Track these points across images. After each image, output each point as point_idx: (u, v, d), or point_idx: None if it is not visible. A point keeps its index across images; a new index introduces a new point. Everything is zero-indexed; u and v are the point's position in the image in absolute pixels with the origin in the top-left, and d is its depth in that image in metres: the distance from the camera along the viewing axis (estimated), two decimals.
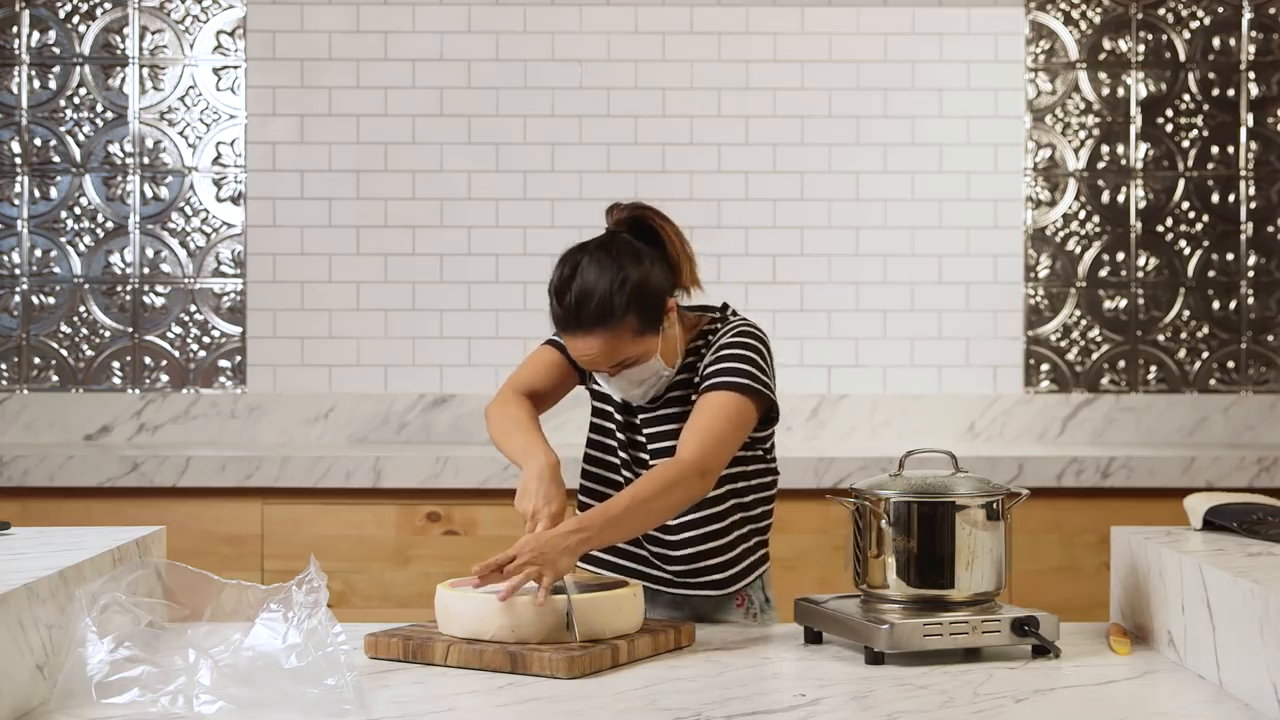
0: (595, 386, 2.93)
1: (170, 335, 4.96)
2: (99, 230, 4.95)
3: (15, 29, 4.94)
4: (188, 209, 4.96)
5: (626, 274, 2.72)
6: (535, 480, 2.70)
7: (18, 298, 4.94)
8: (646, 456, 2.87)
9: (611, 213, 2.83)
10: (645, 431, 2.86)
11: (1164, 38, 5.03)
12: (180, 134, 4.96)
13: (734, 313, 2.91)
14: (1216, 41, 5.03)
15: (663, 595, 2.90)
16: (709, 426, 2.73)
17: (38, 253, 4.94)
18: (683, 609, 2.91)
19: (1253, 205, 5.04)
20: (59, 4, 4.94)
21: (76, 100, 4.95)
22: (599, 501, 2.79)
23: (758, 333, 2.84)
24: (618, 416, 2.91)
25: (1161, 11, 5.03)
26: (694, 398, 2.81)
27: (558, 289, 2.74)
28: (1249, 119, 5.03)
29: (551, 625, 2.48)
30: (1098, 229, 5.04)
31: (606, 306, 2.71)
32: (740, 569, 2.89)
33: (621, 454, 2.90)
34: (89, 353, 4.95)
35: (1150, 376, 5.04)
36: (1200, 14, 5.02)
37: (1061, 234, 5.03)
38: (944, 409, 4.97)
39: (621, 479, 2.89)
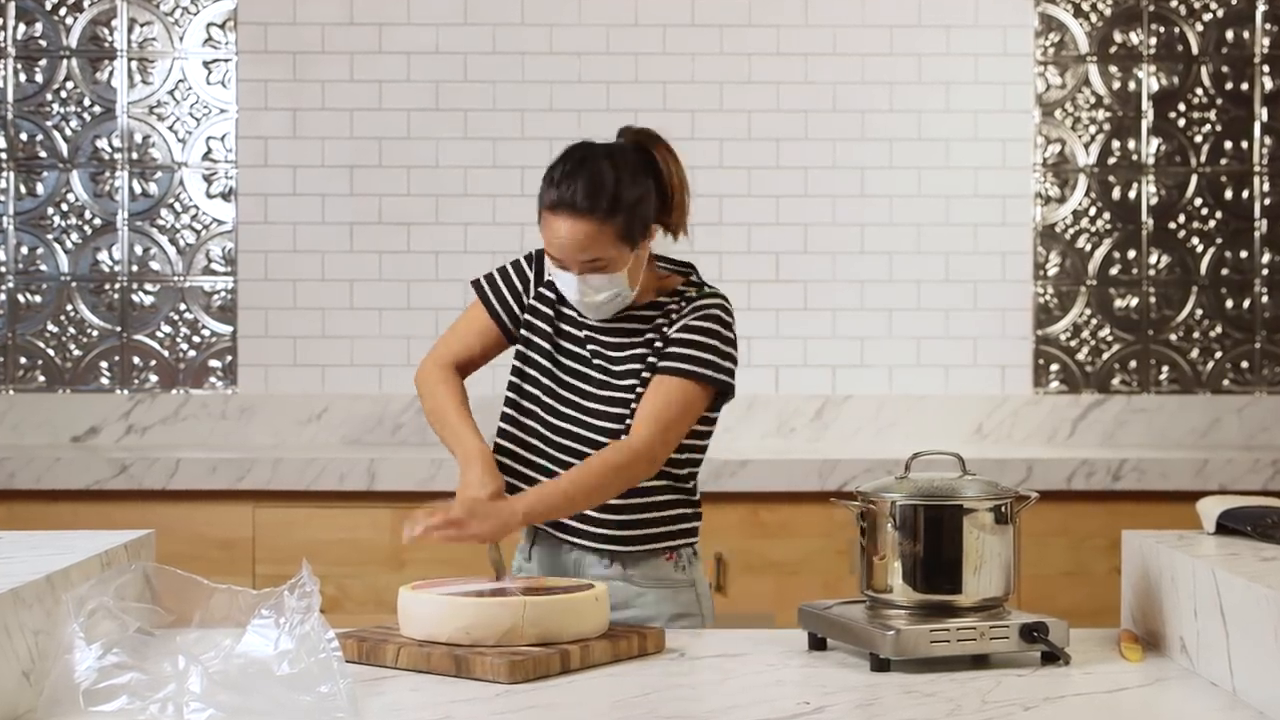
0: (527, 331, 3.00)
1: (160, 334, 4.96)
2: (86, 227, 4.95)
3: (0, 21, 4.94)
4: (177, 205, 4.96)
5: (629, 179, 2.87)
6: (469, 469, 2.84)
7: (3, 296, 4.94)
8: (586, 386, 2.96)
9: (623, 133, 2.98)
10: (594, 362, 2.95)
11: (1176, 30, 5.03)
12: (170, 129, 4.96)
13: (703, 283, 3.01)
14: (1230, 34, 5.03)
15: (590, 551, 2.96)
16: (663, 414, 2.86)
17: (24, 250, 4.94)
18: (609, 563, 2.96)
19: (1267, 201, 5.04)
20: None
21: (63, 94, 4.95)
22: (519, 455, 2.96)
23: (726, 316, 2.95)
24: (563, 351, 2.98)
25: (1174, 3, 5.03)
26: (651, 359, 2.92)
27: (561, 168, 2.87)
28: (1263, 113, 5.03)
29: (506, 627, 2.49)
30: (1108, 226, 5.04)
31: (605, 197, 2.83)
32: (668, 530, 2.98)
33: (547, 398, 2.98)
34: (76, 352, 4.95)
35: (1162, 377, 5.04)
36: (1213, 6, 5.02)
37: (1071, 231, 5.03)
38: (951, 410, 4.97)
39: (543, 428, 2.97)
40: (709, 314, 2.94)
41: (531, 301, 3.03)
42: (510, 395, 3.02)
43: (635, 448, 2.84)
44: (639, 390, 2.92)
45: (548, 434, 2.97)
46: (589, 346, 2.98)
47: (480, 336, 3.05)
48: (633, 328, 2.96)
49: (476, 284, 3.07)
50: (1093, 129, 5.03)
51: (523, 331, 3.03)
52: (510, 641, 2.48)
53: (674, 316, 2.95)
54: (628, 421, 2.91)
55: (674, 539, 3.00)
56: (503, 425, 3.02)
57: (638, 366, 2.94)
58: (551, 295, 3.02)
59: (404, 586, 2.63)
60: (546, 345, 3.00)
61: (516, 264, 3.07)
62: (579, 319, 3.00)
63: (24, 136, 4.95)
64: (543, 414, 2.98)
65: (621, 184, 2.86)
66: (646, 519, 2.97)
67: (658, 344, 2.93)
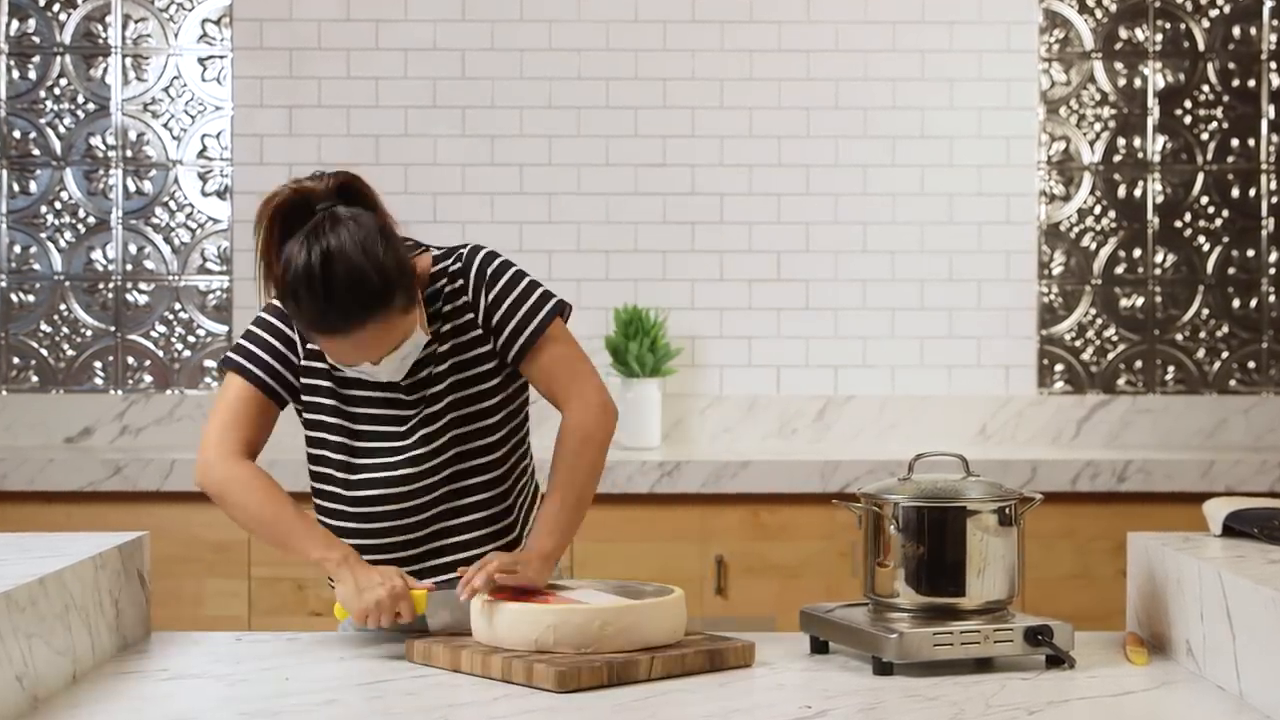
0: (311, 396, 2.72)
1: (154, 334, 4.96)
2: (80, 226, 4.95)
3: None
4: (172, 204, 4.96)
5: (379, 248, 2.54)
6: (361, 568, 2.59)
7: None
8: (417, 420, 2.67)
9: (311, 183, 2.60)
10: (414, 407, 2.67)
11: (1182, 26, 5.03)
12: (164, 126, 4.96)
13: (442, 248, 2.74)
14: (1237, 30, 5.03)
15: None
16: (567, 367, 2.68)
17: (17, 249, 4.95)
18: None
19: (1274, 200, 5.04)
20: None
21: (57, 91, 4.95)
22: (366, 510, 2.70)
23: (495, 252, 2.72)
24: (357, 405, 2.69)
25: None
26: (479, 348, 2.67)
27: (308, 284, 2.49)
28: (1270, 111, 5.03)
29: (593, 635, 2.46)
30: (1114, 224, 5.04)
31: (375, 291, 2.50)
32: (521, 516, 2.79)
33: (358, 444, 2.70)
34: (70, 352, 4.95)
35: (1168, 377, 5.04)
36: (1220, 2, 5.02)
37: (1076, 230, 5.03)
38: (954, 410, 4.97)
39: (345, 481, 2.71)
40: (493, 272, 2.69)
41: (306, 363, 2.71)
42: (318, 463, 2.75)
43: (588, 408, 2.67)
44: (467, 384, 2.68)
45: (393, 475, 2.69)
46: (390, 392, 2.68)
47: (259, 414, 2.72)
48: (434, 357, 2.67)
49: (228, 361, 2.73)
50: (1098, 126, 5.03)
51: (303, 399, 2.73)
52: (596, 649, 2.45)
53: (456, 293, 2.67)
54: (490, 423, 2.69)
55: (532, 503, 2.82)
56: (324, 495, 2.75)
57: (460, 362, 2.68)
58: (324, 364, 2.70)
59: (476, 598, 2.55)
60: (333, 419, 2.71)
61: (266, 324, 2.72)
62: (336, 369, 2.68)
63: (17, 134, 4.95)
64: (379, 458, 2.69)
65: (379, 255, 2.53)
66: (508, 524, 2.77)
67: (472, 327, 2.67)
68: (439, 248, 2.76)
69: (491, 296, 2.69)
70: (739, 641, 2.56)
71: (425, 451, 2.69)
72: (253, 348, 2.72)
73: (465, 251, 2.72)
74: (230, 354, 2.75)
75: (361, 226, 2.56)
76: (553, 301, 2.71)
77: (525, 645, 2.47)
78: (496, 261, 2.72)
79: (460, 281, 2.70)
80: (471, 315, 2.70)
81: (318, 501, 2.79)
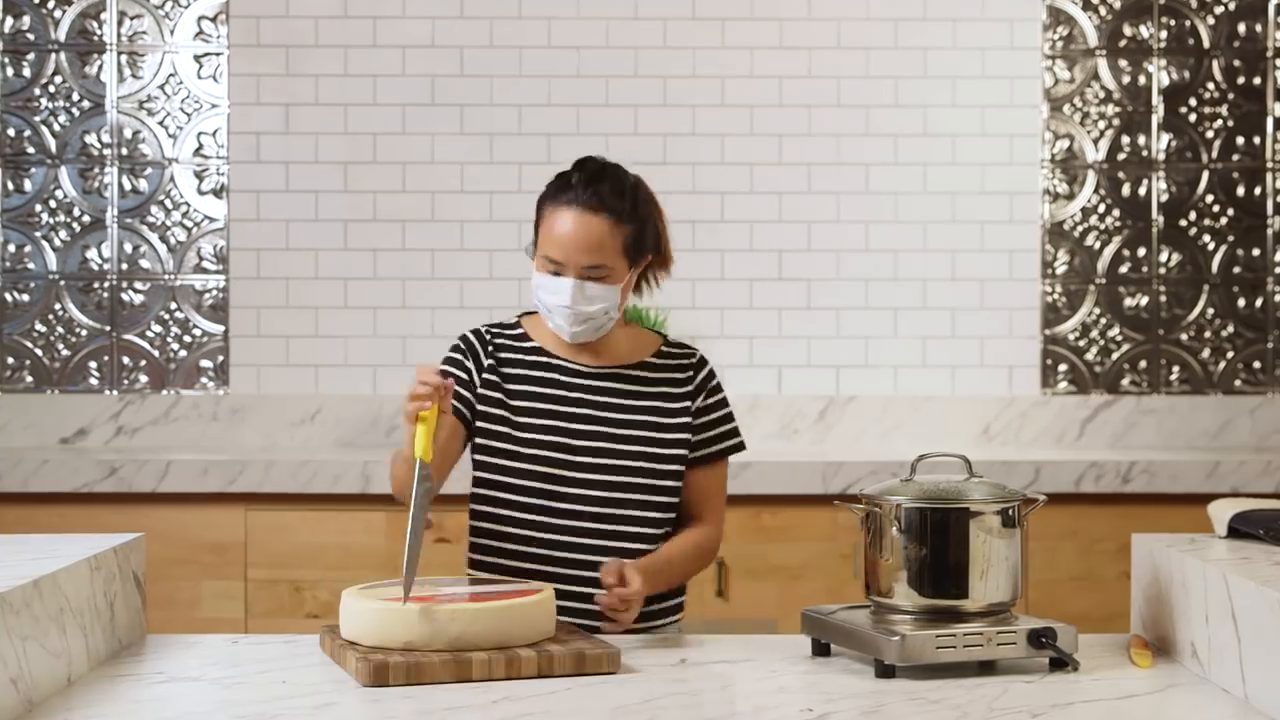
0: (484, 420, 2.92)
1: (150, 334, 4.96)
2: (75, 224, 4.95)
3: None
4: (168, 202, 4.97)
5: (645, 197, 2.94)
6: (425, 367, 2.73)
7: None
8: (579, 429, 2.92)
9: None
10: (588, 405, 2.92)
11: (1187, 23, 5.03)
12: (160, 124, 4.96)
13: (672, 340, 3.06)
14: (1242, 27, 5.03)
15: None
16: (721, 495, 3.03)
17: (11, 248, 4.95)
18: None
19: (1279, 198, 5.05)
20: None
21: (52, 89, 4.95)
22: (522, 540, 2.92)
23: (717, 377, 3.05)
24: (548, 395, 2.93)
25: None
26: (678, 432, 2.95)
27: (578, 174, 2.92)
28: (1275, 108, 5.04)
29: (454, 635, 2.50)
30: (1118, 223, 5.04)
31: (623, 199, 2.89)
32: (667, 607, 2.99)
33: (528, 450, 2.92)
34: (65, 352, 4.95)
35: (1173, 377, 5.04)
36: None
37: (1080, 228, 5.03)
38: (957, 411, 4.97)
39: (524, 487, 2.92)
40: (717, 384, 3.03)
41: (481, 364, 2.96)
42: (483, 489, 2.95)
43: (716, 533, 3.00)
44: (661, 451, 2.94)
45: (566, 479, 2.91)
46: (590, 399, 2.95)
47: (449, 438, 2.89)
48: (631, 388, 2.96)
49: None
50: (1102, 124, 5.03)
51: (479, 409, 2.94)
52: (457, 648, 2.49)
53: (681, 382, 2.99)
54: (659, 484, 2.94)
55: (671, 613, 3.02)
56: (486, 502, 2.95)
57: (652, 421, 2.95)
58: (501, 347, 2.97)
59: (348, 591, 2.64)
60: (539, 404, 2.93)
61: (458, 351, 2.98)
62: (571, 371, 2.95)
63: (11, 132, 4.95)
64: (558, 464, 2.92)
65: (639, 196, 2.92)
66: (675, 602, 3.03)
67: (684, 404, 2.97)
68: (698, 351, 3.07)
69: (710, 403, 3.01)
70: (609, 648, 2.55)
71: (605, 446, 2.92)
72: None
73: (699, 355, 3.04)
74: None
75: (641, 181, 2.98)
76: (739, 439, 3.04)
77: (394, 643, 2.51)
78: (717, 380, 3.04)
79: (690, 374, 3.00)
80: (688, 403, 2.99)
81: (479, 474, 2.97)
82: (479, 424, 2.94)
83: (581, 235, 2.85)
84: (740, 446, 3.03)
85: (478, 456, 2.95)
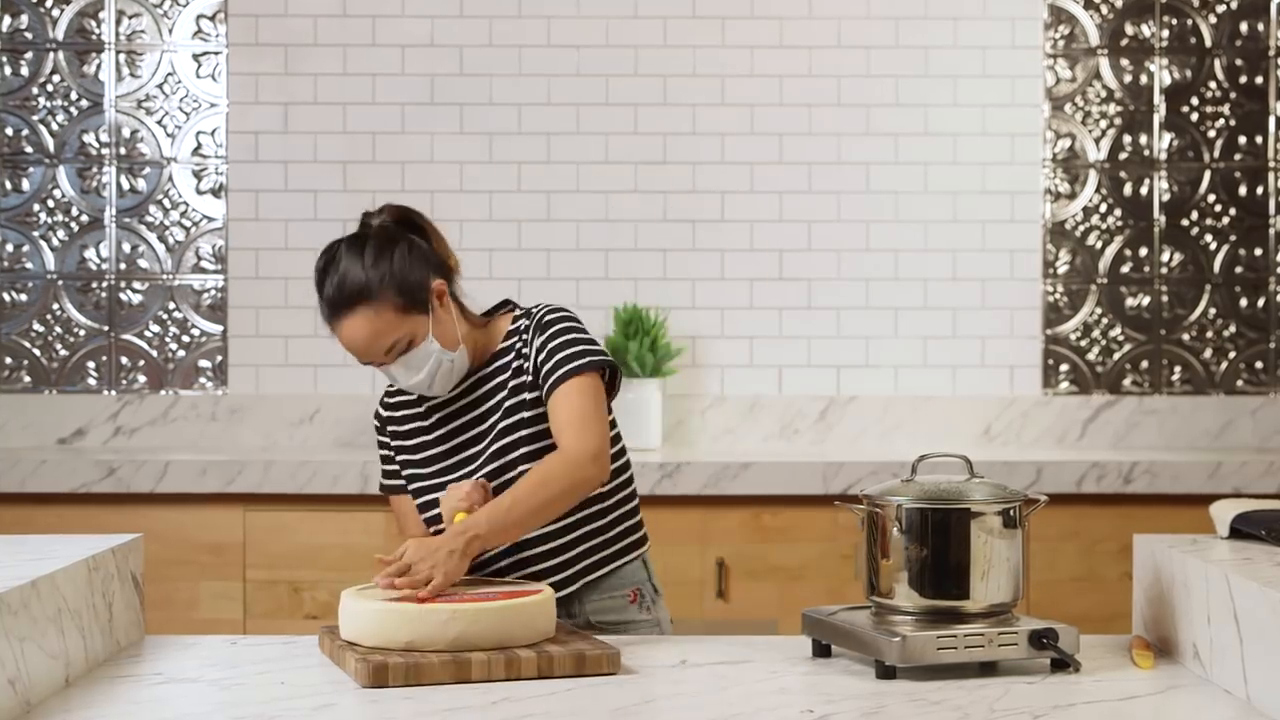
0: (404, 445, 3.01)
1: (148, 334, 4.96)
2: (73, 224, 4.95)
3: None
4: (166, 202, 4.97)
5: (380, 253, 2.86)
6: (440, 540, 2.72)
7: None
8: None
9: (370, 216, 2.96)
10: (490, 450, 2.92)
11: (1189, 22, 5.03)
12: (159, 123, 4.96)
13: (526, 307, 3.01)
14: (1244, 26, 5.03)
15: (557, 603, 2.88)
16: (576, 413, 2.83)
17: (9, 247, 4.95)
18: (577, 617, 2.94)
19: None
20: None
21: (50, 88, 4.95)
22: None
23: (565, 312, 2.95)
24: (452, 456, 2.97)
25: None
26: (532, 396, 2.90)
27: (318, 281, 2.88)
28: (1278, 108, 5.04)
29: (453, 636, 2.50)
30: (1119, 223, 5.04)
31: (363, 284, 2.83)
32: (619, 547, 2.96)
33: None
34: (63, 352, 4.95)
35: (1174, 377, 5.04)
36: None
37: (1081, 228, 5.03)
38: (958, 411, 4.97)
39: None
40: (549, 321, 2.92)
41: (390, 441, 3.05)
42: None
43: (566, 450, 2.80)
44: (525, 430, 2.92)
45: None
46: (452, 423, 2.98)
47: (415, 512, 3.02)
48: (489, 390, 2.96)
49: (385, 488, 3.09)
50: (1103, 123, 5.03)
51: (401, 467, 3.04)
52: (457, 648, 2.50)
53: (522, 350, 2.94)
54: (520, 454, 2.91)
55: (621, 556, 2.97)
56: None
57: (515, 404, 2.93)
58: (392, 414, 3.05)
59: (347, 591, 2.65)
60: (418, 455, 3.00)
61: (378, 443, 3.09)
62: (432, 412, 2.99)
63: (9, 131, 4.95)
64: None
65: (376, 258, 2.85)
66: (588, 546, 2.94)
67: (525, 379, 2.92)
68: (537, 306, 2.99)
69: (540, 341, 2.91)
70: (609, 649, 2.55)
71: (495, 468, 2.91)
72: (381, 471, 3.10)
73: (535, 308, 2.97)
74: (380, 485, 3.11)
75: (364, 240, 2.88)
76: (594, 358, 2.89)
77: (395, 644, 2.51)
78: (558, 314, 2.94)
79: (527, 335, 2.93)
80: (524, 362, 2.93)
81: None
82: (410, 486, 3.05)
83: (357, 341, 2.86)
84: (593, 365, 2.87)
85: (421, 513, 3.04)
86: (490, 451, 2.92)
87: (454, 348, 2.91)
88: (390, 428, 3.06)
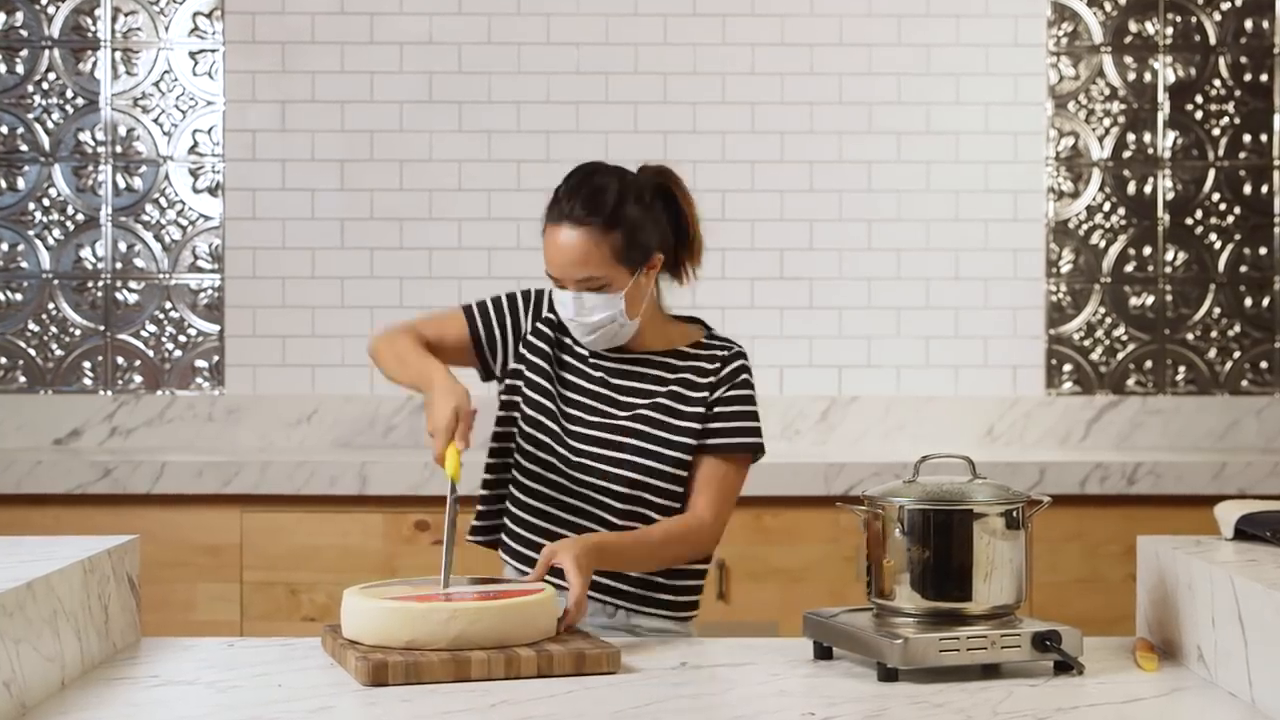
0: (521, 368, 3.01)
1: (144, 334, 4.96)
2: (69, 223, 4.95)
3: None
4: (163, 200, 4.97)
5: (634, 198, 2.91)
6: (440, 396, 2.79)
7: None
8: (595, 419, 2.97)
9: (643, 169, 3.01)
10: (606, 390, 2.97)
11: (1193, 20, 5.03)
12: (155, 121, 4.96)
13: (723, 337, 3.08)
14: (1249, 24, 5.03)
15: (618, 614, 2.98)
16: (727, 492, 2.97)
17: (4, 246, 4.95)
18: (614, 613, 2.99)
19: None
20: None
21: (45, 85, 4.95)
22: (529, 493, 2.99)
23: (751, 378, 3.04)
24: (570, 386, 2.99)
25: None
26: (688, 422, 2.96)
27: (566, 184, 2.92)
28: None
29: (454, 634, 2.52)
30: (1123, 222, 5.04)
31: (604, 210, 2.87)
32: (690, 599, 3.03)
33: (553, 426, 2.99)
34: (58, 352, 4.95)
35: (1179, 377, 5.04)
36: None
37: (1085, 227, 5.03)
38: (961, 411, 4.97)
39: (550, 458, 2.98)
40: (744, 380, 3.01)
41: (529, 337, 3.04)
42: (505, 440, 3.03)
43: (704, 521, 2.93)
44: (666, 438, 2.96)
45: (561, 470, 2.98)
46: (601, 388, 3.00)
47: (456, 334, 3.04)
48: (654, 374, 3.00)
49: (467, 308, 3.07)
50: (1107, 122, 5.03)
51: (512, 368, 3.04)
52: (458, 646, 2.51)
53: (707, 372, 2.99)
54: (641, 463, 2.95)
55: (693, 608, 3.05)
56: (500, 471, 3.05)
57: (660, 415, 2.97)
58: (551, 333, 3.04)
59: (349, 590, 2.65)
60: (545, 383, 3.00)
61: (512, 297, 3.08)
62: (591, 361, 3.01)
63: (4, 129, 4.95)
64: (553, 453, 2.98)
65: (625, 201, 2.90)
66: (693, 585, 3.04)
67: (701, 394, 2.97)
68: (734, 345, 3.07)
69: (729, 395, 2.99)
70: (609, 647, 2.56)
71: (624, 440, 2.96)
72: (490, 305, 3.06)
73: (737, 348, 3.05)
74: (472, 302, 3.07)
75: (634, 180, 2.95)
76: (757, 439, 3.01)
77: (396, 643, 2.53)
78: (747, 375, 3.03)
79: (718, 365, 3.01)
80: (706, 394, 2.99)
81: (523, 464, 3.01)
82: (504, 381, 3.04)
83: (565, 252, 2.88)
84: (754, 447, 3.00)
85: (496, 428, 3.04)
86: (590, 434, 2.96)
87: (634, 317, 2.94)
88: (538, 323, 3.03)
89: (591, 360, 3.01)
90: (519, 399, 3.02)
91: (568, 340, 3.03)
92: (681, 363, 3.01)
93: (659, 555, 2.91)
